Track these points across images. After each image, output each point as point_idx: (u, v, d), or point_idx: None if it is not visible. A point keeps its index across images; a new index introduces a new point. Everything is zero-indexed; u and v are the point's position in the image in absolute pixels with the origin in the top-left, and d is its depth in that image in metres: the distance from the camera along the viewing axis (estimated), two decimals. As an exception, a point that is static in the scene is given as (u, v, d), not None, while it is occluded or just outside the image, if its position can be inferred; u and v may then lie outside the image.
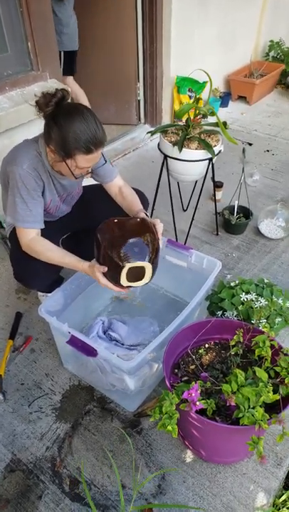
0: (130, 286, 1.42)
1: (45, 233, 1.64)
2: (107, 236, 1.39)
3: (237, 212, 2.45)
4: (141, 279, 1.41)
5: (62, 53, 2.99)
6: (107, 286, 1.43)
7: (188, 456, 1.46)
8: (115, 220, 1.43)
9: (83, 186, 1.84)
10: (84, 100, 3.32)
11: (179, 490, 1.38)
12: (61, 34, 2.90)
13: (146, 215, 1.65)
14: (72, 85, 3.22)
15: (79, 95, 3.29)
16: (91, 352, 1.41)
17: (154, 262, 1.40)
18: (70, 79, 3.19)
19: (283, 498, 1.37)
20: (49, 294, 1.92)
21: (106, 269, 1.39)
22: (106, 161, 1.65)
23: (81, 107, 1.40)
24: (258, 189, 2.88)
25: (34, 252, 1.55)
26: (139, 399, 1.61)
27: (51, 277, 1.78)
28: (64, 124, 1.35)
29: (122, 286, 1.42)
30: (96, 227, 1.47)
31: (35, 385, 1.70)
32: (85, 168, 1.46)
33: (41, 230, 1.67)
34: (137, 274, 1.39)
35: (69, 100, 1.42)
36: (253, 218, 2.47)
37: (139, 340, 1.72)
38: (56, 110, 1.38)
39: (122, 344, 1.70)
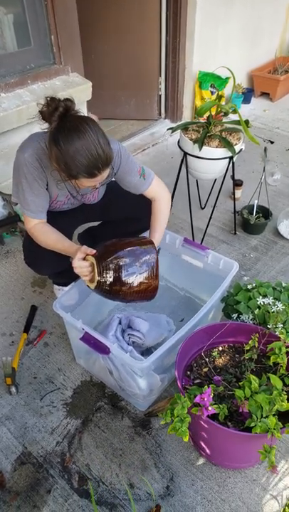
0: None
1: (62, 220, 1.61)
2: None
3: (256, 211, 2.40)
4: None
5: None
6: (76, 269, 1.38)
7: (198, 458, 1.45)
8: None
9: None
10: None
11: (187, 493, 1.37)
12: None
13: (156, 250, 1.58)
14: None
15: None
16: (104, 350, 1.41)
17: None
18: None
19: (293, 506, 1.34)
20: (65, 288, 1.92)
21: (93, 251, 1.37)
22: (139, 176, 1.62)
23: (83, 124, 1.26)
24: (278, 189, 2.82)
25: (34, 238, 1.52)
26: (151, 398, 1.60)
27: (59, 264, 1.69)
28: (64, 148, 1.24)
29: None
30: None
31: (47, 379, 1.71)
32: (91, 186, 1.38)
33: (59, 215, 1.62)
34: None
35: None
36: (273, 219, 2.42)
37: (158, 337, 1.70)
38: (58, 126, 1.26)
39: (141, 346, 1.69)
